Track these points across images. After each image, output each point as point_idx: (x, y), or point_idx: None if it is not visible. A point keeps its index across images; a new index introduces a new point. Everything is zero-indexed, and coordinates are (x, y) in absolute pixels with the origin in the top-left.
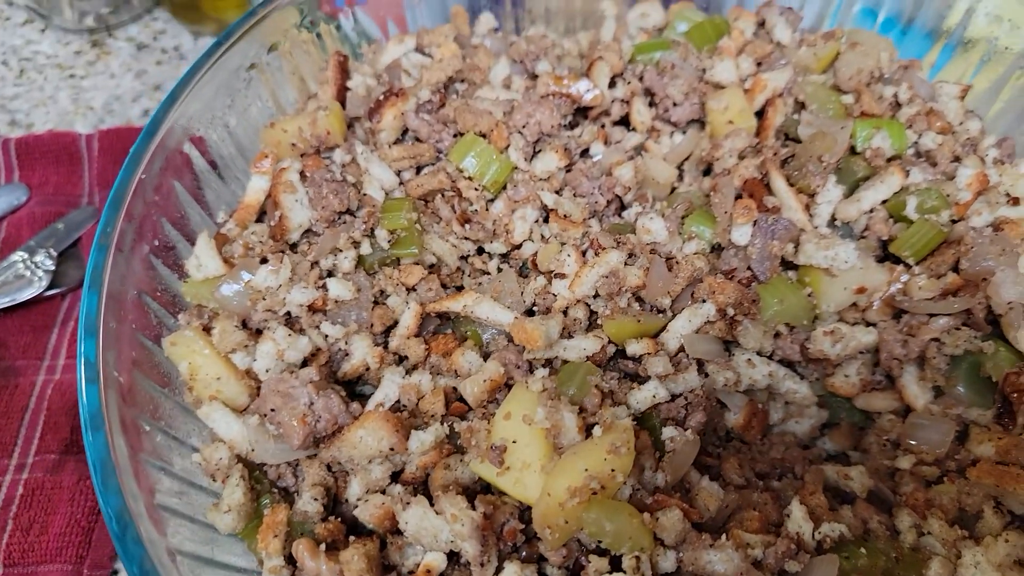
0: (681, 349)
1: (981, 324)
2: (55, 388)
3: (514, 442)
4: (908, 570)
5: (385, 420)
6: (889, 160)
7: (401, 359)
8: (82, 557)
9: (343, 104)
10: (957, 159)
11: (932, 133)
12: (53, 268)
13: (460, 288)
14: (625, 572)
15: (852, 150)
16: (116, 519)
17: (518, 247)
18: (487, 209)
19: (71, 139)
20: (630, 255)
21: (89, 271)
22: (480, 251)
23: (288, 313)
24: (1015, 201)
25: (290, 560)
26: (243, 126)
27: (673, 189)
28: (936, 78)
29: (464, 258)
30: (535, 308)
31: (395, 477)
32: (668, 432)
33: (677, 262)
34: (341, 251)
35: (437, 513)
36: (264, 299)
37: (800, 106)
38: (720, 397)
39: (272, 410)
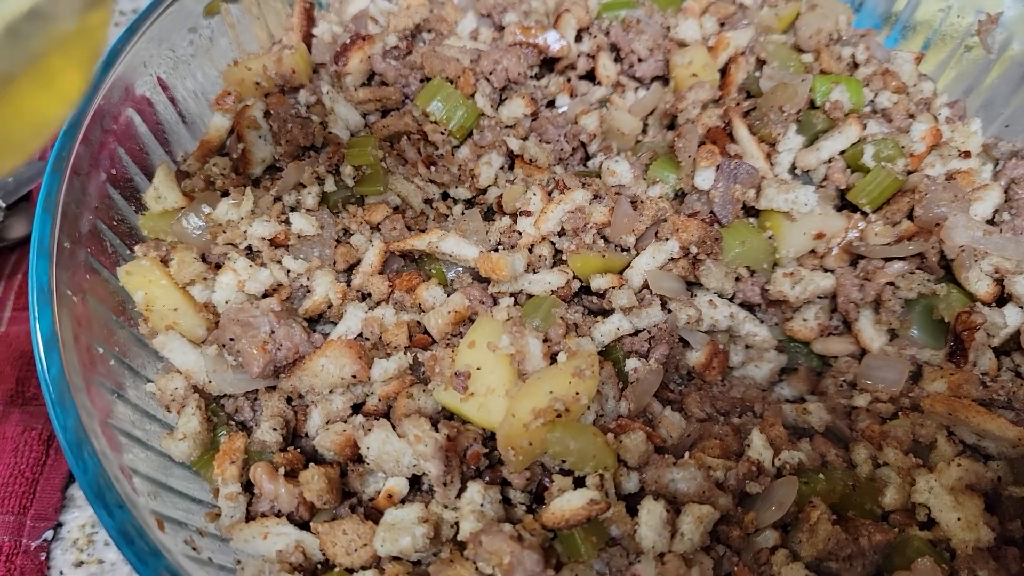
0: (645, 286)
1: (934, 267)
2: (0, 339)
3: (478, 368)
4: (864, 497)
5: (347, 347)
6: (847, 115)
7: (364, 296)
8: (25, 508)
9: (309, 50)
10: (911, 117)
11: (888, 92)
12: (0, 220)
13: (424, 232)
14: (589, 488)
15: (812, 105)
16: (71, 433)
17: (483, 192)
18: (453, 155)
19: None
20: (595, 196)
21: (43, 195)
22: (445, 197)
23: (249, 248)
24: (966, 155)
25: (247, 488)
26: (209, 80)
27: (637, 142)
28: None
29: (428, 202)
30: (500, 247)
31: (356, 410)
32: (631, 363)
33: (642, 202)
34: (305, 187)
35: (400, 436)
36: (224, 232)
37: (761, 64)
38: (683, 335)
39: (231, 339)
